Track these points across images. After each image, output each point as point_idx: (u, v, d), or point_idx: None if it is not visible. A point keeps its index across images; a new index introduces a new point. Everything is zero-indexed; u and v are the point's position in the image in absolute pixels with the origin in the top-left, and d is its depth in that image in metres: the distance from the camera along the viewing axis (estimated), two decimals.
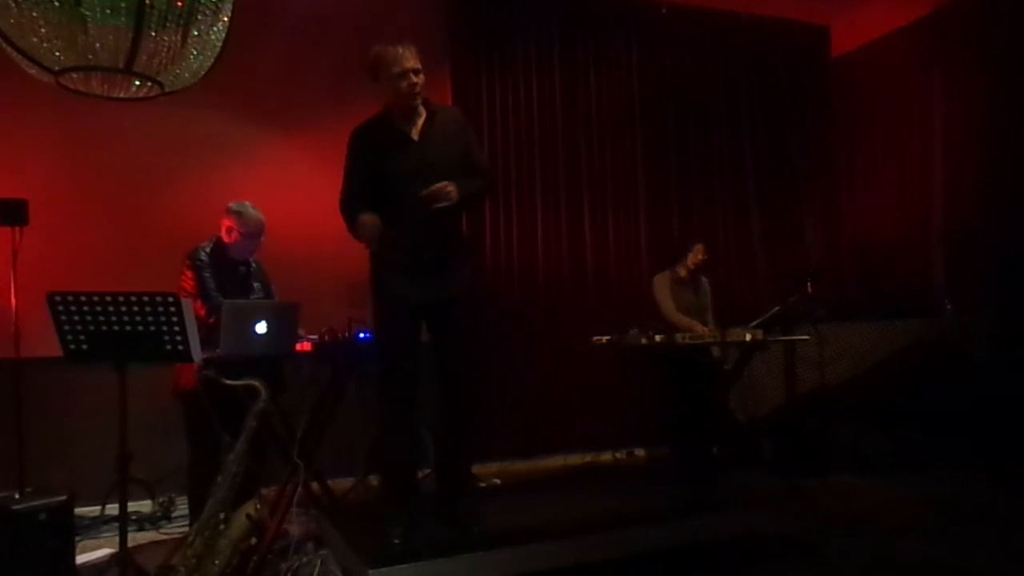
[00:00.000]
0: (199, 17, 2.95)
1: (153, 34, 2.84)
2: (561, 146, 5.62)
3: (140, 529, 3.81)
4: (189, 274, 3.44)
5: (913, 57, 5.84)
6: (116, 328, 2.46)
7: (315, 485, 3.76)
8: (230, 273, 3.54)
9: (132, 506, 3.62)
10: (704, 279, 4.89)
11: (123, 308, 2.45)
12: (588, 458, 5.15)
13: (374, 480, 4.06)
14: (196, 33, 2.99)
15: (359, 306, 4.09)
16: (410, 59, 2.88)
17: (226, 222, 3.50)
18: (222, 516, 2.40)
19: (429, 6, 5.25)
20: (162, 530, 3.83)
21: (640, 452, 5.17)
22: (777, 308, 4.51)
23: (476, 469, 4.57)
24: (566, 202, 5.61)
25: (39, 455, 3.85)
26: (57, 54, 2.81)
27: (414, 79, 2.88)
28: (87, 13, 2.73)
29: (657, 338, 4.08)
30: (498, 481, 4.47)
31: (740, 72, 6.22)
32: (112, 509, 3.83)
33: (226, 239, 3.51)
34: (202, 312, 3.33)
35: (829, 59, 6.56)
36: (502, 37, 5.47)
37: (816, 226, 6.39)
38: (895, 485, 4.30)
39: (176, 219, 4.36)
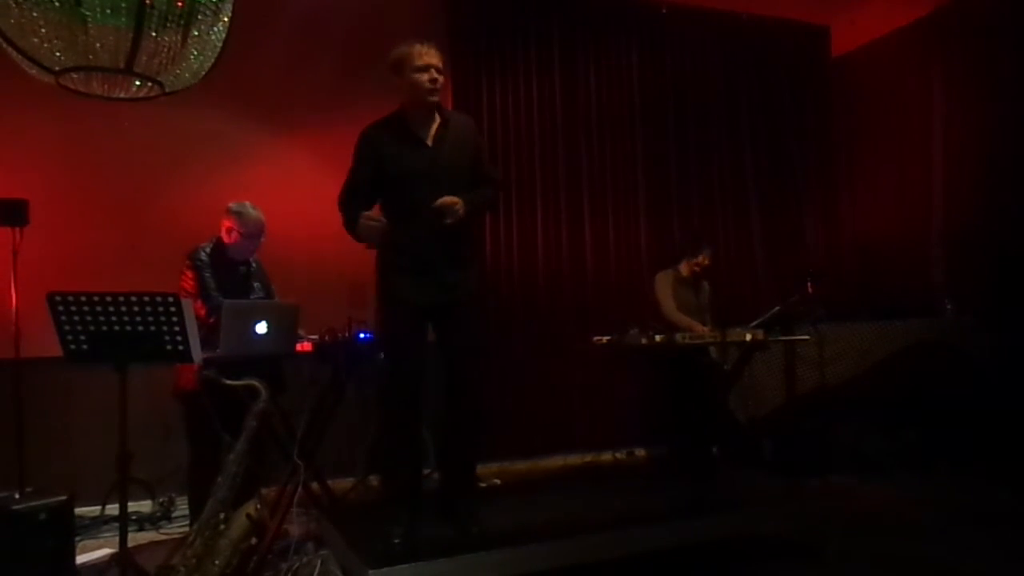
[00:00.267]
0: (199, 17, 2.95)
1: (153, 34, 2.84)
2: (561, 146, 5.62)
3: (140, 529, 3.82)
4: (189, 274, 3.44)
5: (913, 57, 5.85)
6: (116, 328, 2.46)
7: (315, 485, 3.76)
8: (230, 273, 3.54)
9: (132, 506, 3.62)
10: (705, 282, 4.89)
11: (123, 308, 2.45)
12: (588, 458, 5.14)
13: (374, 480, 4.06)
14: (196, 33, 2.98)
15: (359, 306, 4.10)
16: (434, 56, 2.91)
17: (226, 222, 3.50)
18: (222, 516, 2.41)
19: (429, 6, 5.25)
20: (162, 530, 3.83)
21: (640, 452, 5.16)
22: (777, 308, 4.52)
23: (477, 469, 4.58)
24: (566, 202, 5.61)
25: (39, 455, 3.85)
26: (57, 54, 2.81)
27: (436, 75, 2.89)
28: (87, 13, 2.72)
29: (657, 338, 4.08)
30: (498, 481, 4.46)
31: (740, 72, 6.22)
32: (112, 509, 3.83)
33: (226, 239, 3.51)
34: (202, 312, 3.33)
35: (829, 59, 6.57)
36: (502, 37, 5.47)
37: (816, 226, 6.40)
38: (895, 485, 4.30)
39: (176, 219, 4.37)
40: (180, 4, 2.84)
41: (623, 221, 5.78)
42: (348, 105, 4.80)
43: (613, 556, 2.82)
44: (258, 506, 2.41)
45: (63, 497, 2.89)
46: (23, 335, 3.57)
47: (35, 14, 2.71)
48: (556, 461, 5.18)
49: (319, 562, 2.91)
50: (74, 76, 2.93)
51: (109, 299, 2.44)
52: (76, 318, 2.44)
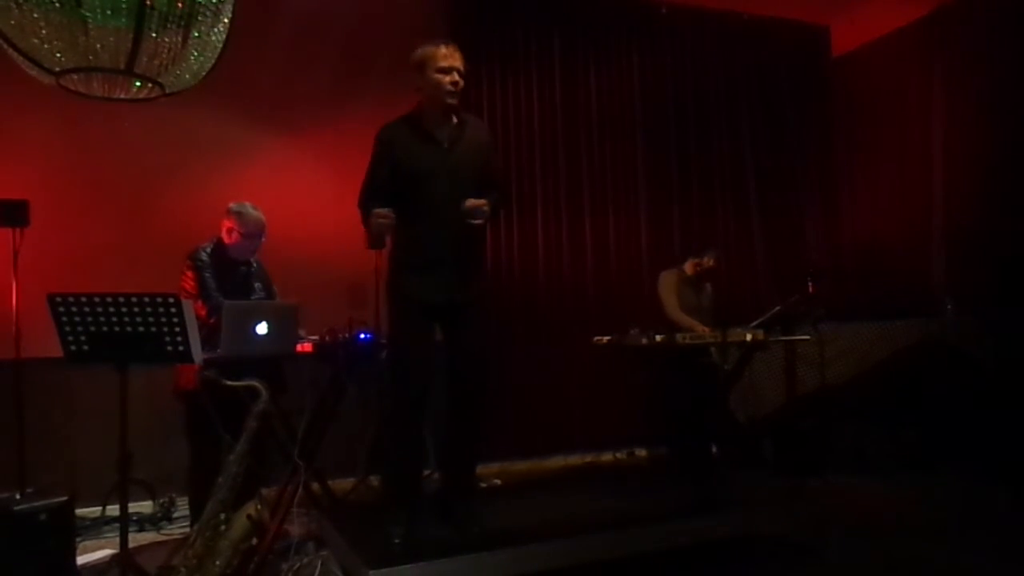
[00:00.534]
0: (199, 18, 2.95)
1: (154, 35, 2.84)
2: (561, 146, 5.62)
3: (141, 530, 3.81)
4: (190, 274, 3.44)
5: (913, 57, 5.85)
6: (117, 329, 2.46)
7: (316, 485, 3.76)
8: (231, 273, 3.54)
9: (133, 507, 3.62)
10: (708, 285, 4.90)
11: (124, 309, 2.45)
12: (588, 458, 5.15)
13: (375, 480, 4.06)
14: (197, 34, 2.98)
15: (360, 307, 4.10)
16: (458, 59, 2.93)
17: (226, 222, 3.50)
18: (223, 517, 2.41)
19: (429, 7, 5.25)
20: (163, 531, 3.83)
21: (640, 452, 5.16)
22: (778, 308, 4.52)
23: (477, 469, 4.58)
24: (566, 202, 5.61)
25: (40, 456, 3.85)
26: (58, 55, 2.81)
27: (457, 78, 2.91)
28: (88, 14, 2.73)
29: (657, 338, 4.08)
30: (498, 481, 4.47)
31: (740, 72, 6.22)
32: (113, 510, 3.83)
33: (226, 239, 3.51)
34: (203, 312, 3.34)
35: (829, 59, 6.57)
36: (502, 37, 5.47)
37: (816, 226, 6.40)
38: (895, 485, 4.30)
39: (177, 220, 4.37)
40: (180, 5, 2.84)
41: (623, 221, 5.78)
42: (348, 105, 4.82)
43: (613, 556, 2.82)
44: (259, 506, 2.41)
45: (64, 498, 2.89)
46: (24, 336, 3.57)
47: (36, 15, 2.71)
48: (556, 461, 5.18)
49: (319, 562, 2.91)
50: (75, 77, 2.93)
51: (109, 300, 2.44)
52: (76, 319, 2.44)
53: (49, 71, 2.87)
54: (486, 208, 2.88)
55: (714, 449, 4.87)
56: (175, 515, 3.98)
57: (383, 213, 2.82)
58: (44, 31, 2.75)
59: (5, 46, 2.83)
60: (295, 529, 3.08)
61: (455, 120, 3.00)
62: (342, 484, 4.12)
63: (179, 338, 2.52)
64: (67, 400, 4.20)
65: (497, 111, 5.42)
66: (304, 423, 3.48)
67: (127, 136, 4.39)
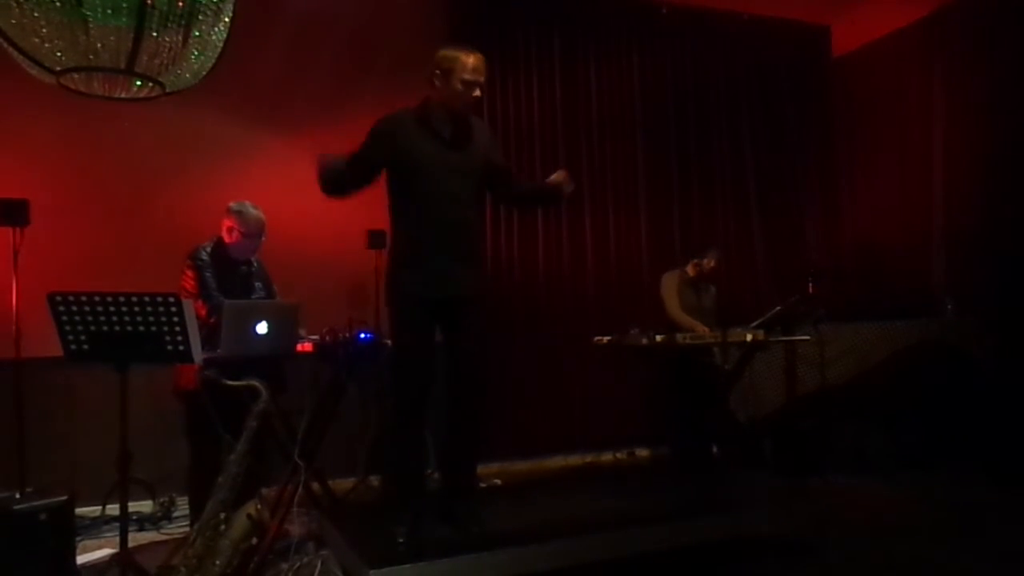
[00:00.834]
0: (200, 17, 2.95)
1: (154, 34, 2.84)
2: (561, 146, 5.62)
3: (141, 529, 3.81)
4: (190, 274, 3.44)
5: (913, 57, 5.85)
6: (117, 328, 2.46)
7: (316, 485, 3.76)
8: (231, 273, 3.54)
9: (133, 506, 3.61)
10: (712, 286, 4.90)
11: (124, 308, 2.45)
12: (589, 458, 5.15)
13: (375, 480, 4.06)
14: (197, 33, 2.99)
15: (360, 306, 4.10)
16: (482, 72, 2.94)
17: (226, 222, 3.50)
18: (223, 516, 2.41)
19: (430, 7, 5.25)
20: (163, 530, 3.83)
21: (641, 452, 5.17)
22: (778, 308, 4.52)
23: (477, 469, 4.57)
24: (566, 202, 5.59)
25: (40, 455, 3.85)
26: (58, 54, 2.81)
27: (478, 92, 2.93)
28: (88, 14, 2.73)
29: (658, 338, 4.09)
30: (499, 481, 4.47)
31: (741, 72, 6.22)
32: (113, 509, 3.83)
33: (227, 239, 3.51)
34: (203, 312, 3.34)
35: (830, 59, 6.57)
36: (502, 37, 5.46)
37: (816, 226, 6.40)
38: (895, 485, 4.30)
39: (177, 219, 4.37)
40: (181, 4, 2.84)
41: (623, 221, 5.78)
42: (349, 105, 4.81)
43: (614, 556, 2.82)
44: (259, 506, 2.41)
45: (64, 497, 2.89)
46: (24, 335, 3.57)
47: (36, 14, 2.71)
48: (556, 461, 5.19)
49: (320, 562, 2.91)
50: (75, 76, 2.93)
51: (110, 299, 2.44)
52: (77, 318, 2.44)
53: (50, 70, 2.87)
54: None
55: (714, 449, 4.87)
56: (175, 515, 3.98)
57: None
58: (45, 30, 2.75)
59: (6, 45, 2.83)
60: (295, 529, 3.08)
61: (460, 119, 3.01)
62: (342, 484, 4.12)
63: (179, 338, 2.52)
64: (67, 400, 4.20)
65: (497, 111, 5.42)
66: (304, 423, 3.48)
67: (127, 136, 4.39)
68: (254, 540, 2.38)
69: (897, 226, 5.93)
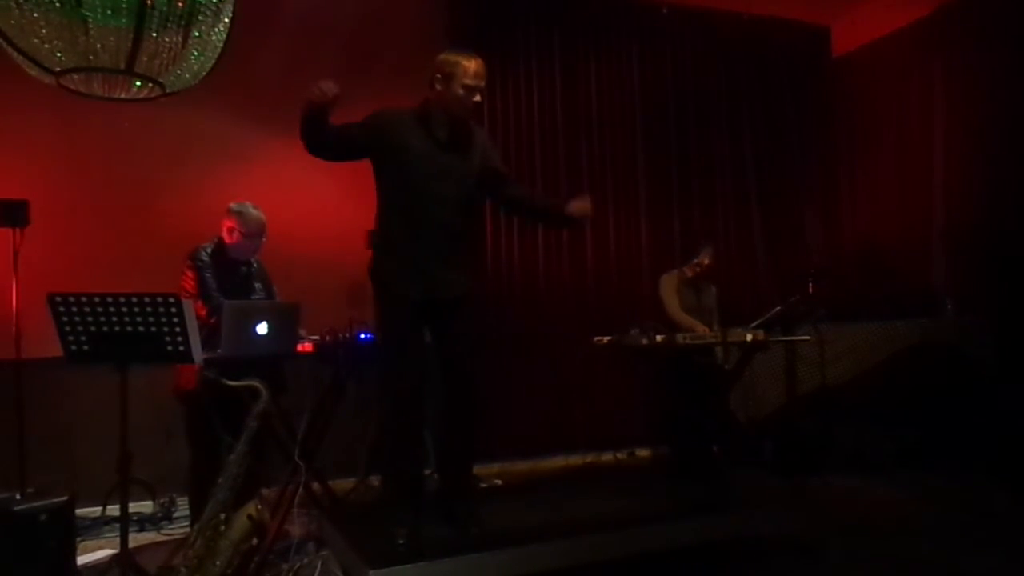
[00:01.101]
0: (200, 18, 2.95)
1: (154, 35, 2.84)
2: (562, 146, 5.62)
3: (141, 530, 3.81)
4: (190, 274, 3.44)
5: (913, 57, 5.85)
6: (117, 329, 2.46)
7: (316, 485, 3.76)
8: (231, 273, 3.54)
9: (133, 507, 3.61)
10: (712, 285, 4.90)
11: (124, 309, 2.45)
12: (589, 458, 5.14)
13: (375, 480, 4.06)
14: (197, 34, 2.99)
15: (360, 306, 4.10)
16: (483, 77, 2.94)
17: (227, 222, 3.50)
18: (223, 517, 2.41)
19: (430, 7, 5.25)
20: (163, 531, 3.83)
21: (641, 452, 5.16)
22: (778, 308, 4.52)
23: (477, 469, 4.57)
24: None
25: (40, 456, 3.84)
26: (58, 55, 2.81)
27: (479, 97, 2.93)
28: (88, 14, 2.73)
29: (658, 338, 4.08)
30: (499, 481, 4.48)
31: (741, 72, 6.22)
32: (113, 510, 3.83)
33: (227, 239, 3.51)
34: (203, 312, 3.34)
35: (830, 59, 6.56)
36: (502, 37, 5.46)
37: (817, 226, 6.40)
38: (895, 485, 4.30)
39: (177, 220, 4.37)
40: (181, 5, 2.84)
41: (624, 221, 5.78)
42: (349, 105, 4.79)
43: (613, 556, 2.82)
44: (259, 506, 2.41)
45: (64, 498, 2.89)
46: (24, 335, 3.58)
47: (36, 15, 2.71)
48: (557, 461, 5.18)
49: (320, 562, 2.91)
50: (75, 77, 2.93)
51: (110, 299, 2.44)
52: (77, 319, 2.44)
53: (49, 71, 2.87)
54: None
55: (714, 449, 4.87)
56: (175, 515, 3.98)
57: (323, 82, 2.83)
58: (44, 31, 2.75)
59: (5, 46, 2.83)
60: (295, 529, 3.08)
61: (457, 124, 3.01)
62: (342, 484, 4.12)
63: (179, 338, 2.52)
64: (67, 400, 4.20)
65: (497, 111, 5.42)
66: (304, 423, 3.48)
67: (127, 136, 4.39)
68: (254, 540, 2.39)
69: (897, 226, 5.93)
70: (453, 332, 3.01)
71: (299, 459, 3.13)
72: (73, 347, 2.48)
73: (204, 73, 3.15)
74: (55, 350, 2.50)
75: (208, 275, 3.44)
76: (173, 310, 2.48)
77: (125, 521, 2.59)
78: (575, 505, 3.40)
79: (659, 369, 4.61)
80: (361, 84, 4.83)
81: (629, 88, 5.86)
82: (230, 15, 3.10)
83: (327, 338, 3.74)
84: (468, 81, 2.89)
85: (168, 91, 3.14)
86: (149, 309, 2.46)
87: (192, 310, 2.63)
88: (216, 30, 3.05)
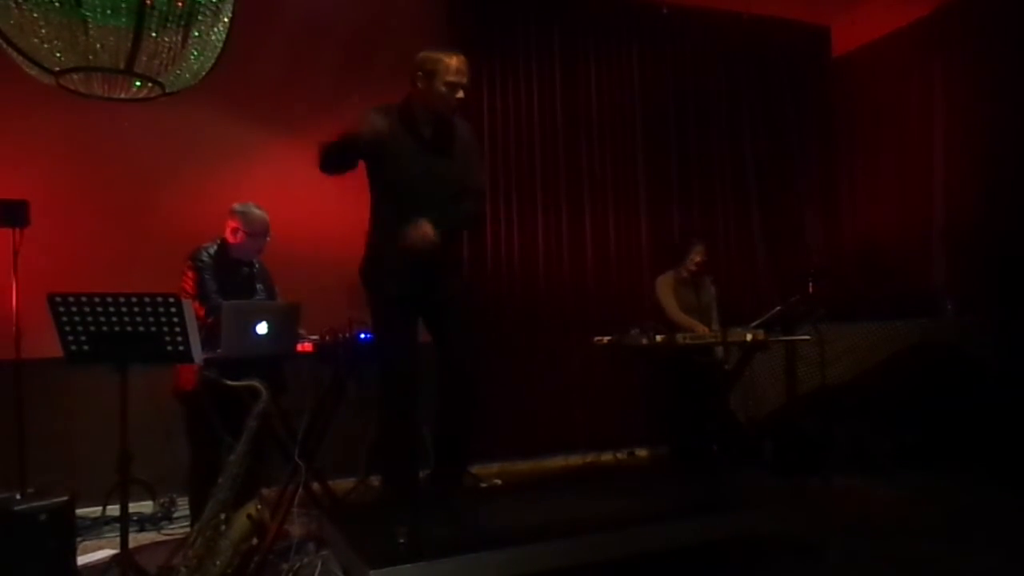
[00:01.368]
0: (200, 18, 2.95)
1: (154, 35, 2.84)
2: (562, 146, 5.62)
3: (141, 530, 3.82)
4: (190, 275, 3.45)
5: (913, 57, 5.85)
6: (117, 329, 2.46)
7: (316, 485, 3.76)
8: (233, 274, 3.55)
9: (133, 507, 3.62)
10: (708, 279, 4.89)
11: (124, 309, 2.45)
12: (589, 458, 5.14)
13: (375, 480, 4.06)
14: (197, 34, 2.98)
15: (360, 306, 4.08)
16: (465, 74, 2.93)
17: (231, 223, 3.52)
18: (223, 517, 2.41)
19: (429, 7, 5.25)
20: (163, 531, 3.83)
21: (641, 452, 5.16)
22: (778, 308, 4.52)
23: (477, 469, 4.58)
24: (567, 202, 5.61)
25: (40, 456, 3.84)
26: (58, 55, 2.81)
27: (461, 94, 2.91)
28: (88, 14, 2.73)
29: (658, 338, 4.08)
30: (499, 481, 4.47)
31: (741, 72, 6.22)
32: (113, 510, 3.83)
33: (231, 239, 3.52)
34: (201, 312, 3.34)
35: (830, 59, 6.56)
36: (502, 37, 5.47)
37: (817, 226, 6.40)
38: (895, 485, 4.30)
39: (177, 220, 4.37)
40: (180, 4, 2.84)
41: (624, 221, 5.78)
42: (349, 105, 4.80)
43: (613, 556, 2.82)
44: (259, 506, 2.41)
45: (64, 498, 2.88)
46: (24, 336, 3.57)
47: (35, 15, 2.71)
48: (557, 461, 5.18)
49: (320, 562, 2.91)
50: (74, 77, 2.93)
51: (110, 300, 2.44)
52: (77, 319, 2.44)
53: (49, 71, 2.87)
54: (431, 235, 2.85)
55: (714, 449, 4.86)
56: (175, 515, 3.98)
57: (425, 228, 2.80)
58: (44, 31, 2.75)
59: (5, 46, 2.83)
60: (295, 529, 3.07)
61: (442, 121, 3.00)
62: (342, 484, 4.12)
63: (179, 338, 2.52)
64: (67, 400, 4.20)
65: (497, 111, 5.42)
66: (304, 423, 3.48)
67: (127, 136, 4.39)
68: (254, 540, 2.38)
69: (897, 226, 5.93)
70: (452, 333, 3.01)
71: (299, 459, 3.13)
72: (73, 347, 2.48)
73: (204, 73, 3.15)
74: (55, 350, 2.49)
75: (207, 276, 3.45)
76: (173, 310, 2.48)
77: (125, 521, 2.59)
78: (575, 505, 3.40)
79: (659, 369, 4.61)
80: (361, 84, 4.85)
81: (629, 88, 5.86)
82: (230, 15, 3.09)
83: (327, 338, 3.74)
84: (450, 78, 2.88)
85: (168, 91, 3.13)
86: (149, 309, 2.46)
87: (192, 310, 2.63)
88: (216, 30, 3.05)
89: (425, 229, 2.83)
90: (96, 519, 3.90)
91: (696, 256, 4.72)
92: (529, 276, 5.47)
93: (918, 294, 5.50)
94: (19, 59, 2.85)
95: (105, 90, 3.01)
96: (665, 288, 4.74)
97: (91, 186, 4.41)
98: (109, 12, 2.74)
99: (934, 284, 5.60)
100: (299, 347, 3.63)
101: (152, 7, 2.76)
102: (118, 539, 2.68)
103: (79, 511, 3.33)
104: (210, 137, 4.63)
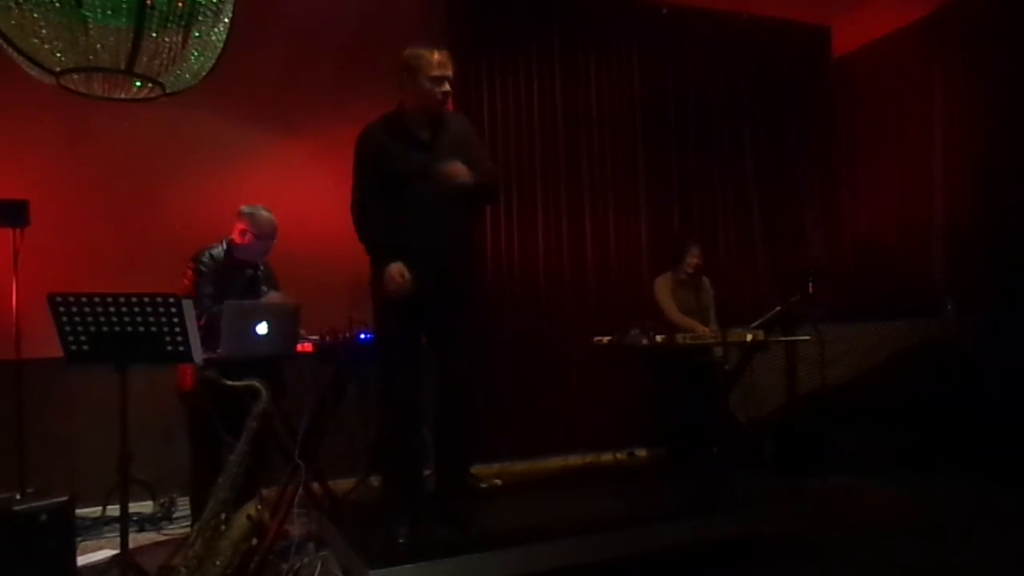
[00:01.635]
0: (200, 18, 2.95)
1: (154, 35, 2.84)
2: (562, 146, 5.62)
3: (141, 530, 3.81)
4: (189, 274, 3.47)
5: (913, 57, 5.84)
6: (117, 329, 2.46)
7: (316, 486, 3.76)
8: (238, 276, 3.57)
9: (133, 507, 3.62)
10: (706, 279, 4.89)
11: (124, 309, 2.45)
12: (589, 458, 5.15)
13: (375, 480, 4.06)
14: (197, 34, 2.99)
15: (360, 306, 4.09)
16: (449, 68, 2.92)
17: (239, 224, 3.54)
18: (223, 517, 2.41)
19: (430, 7, 5.25)
20: (163, 531, 3.83)
21: (641, 452, 5.16)
22: (778, 308, 4.51)
23: (477, 469, 4.58)
24: (567, 202, 5.61)
25: (40, 456, 3.85)
26: (58, 55, 2.81)
27: (448, 87, 2.90)
28: (88, 14, 2.73)
29: (658, 338, 4.08)
30: (499, 481, 4.47)
31: (741, 73, 6.22)
32: (113, 510, 3.83)
33: (238, 240, 3.54)
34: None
35: (830, 59, 6.56)
36: (502, 37, 5.47)
37: (817, 226, 6.40)
38: (895, 485, 4.30)
39: (177, 220, 4.38)
40: (181, 5, 2.84)
41: (624, 221, 5.78)
42: (349, 105, 4.80)
43: (613, 556, 2.82)
44: (259, 507, 2.41)
45: (64, 498, 2.89)
46: (24, 336, 3.57)
47: (36, 15, 2.71)
48: (556, 462, 5.18)
49: (320, 563, 2.92)
50: (75, 77, 2.93)
51: (110, 300, 2.44)
52: (77, 319, 2.44)
53: (49, 71, 2.87)
54: (465, 172, 2.84)
55: (714, 449, 4.86)
56: (175, 515, 3.98)
57: (397, 272, 2.82)
58: (44, 31, 2.75)
59: (5, 46, 2.83)
60: (295, 529, 3.08)
61: (438, 119, 3.00)
62: (342, 484, 4.12)
63: (179, 338, 2.52)
64: (67, 400, 4.20)
65: (497, 111, 5.42)
66: (304, 423, 3.48)
67: (127, 136, 4.39)
68: (254, 541, 2.39)
69: (897, 226, 5.93)
70: (452, 335, 3.01)
71: (299, 459, 3.13)
72: (73, 347, 2.48)
73: (204, 73, 3.15)
74: (55, 350, 2.49)
75: (204, 280, 3.46)
76: (173, 310, 2.48)
77: (125, 521, 2.59)
78: (575, 505, 3.41)
79: (659, 369, 4.61)
80: (361, 84, 4.86)
81: (629, 88, 5.86)
82: (230, 15, 3.10)
83: (327, 338, 3.74)
84: (433, 72, 2.87)
85: (168, 91, 3.13)
86: (149, 309, 2.46)
87: (192, 310, 2.63)
88: (216, 30, 3.05)
89: (457, 169, 2.82)
90: (96, 519, 3.90)
91: (692, 258, 4.72)
92: (529, 276, 5.47)
93: (918, 294, 5.50)
94: (20, 59, 2.86)
95: (105, 90, 3.01)
96: (664, 289, 4.74)
97: (91, 186, 4.41)
98: (109, 12, 2.74)
99: (934, 284, 5.60)
100: (299, 347, 3.63)
101: (152, 7, 2.76)
102: (118, 539, 2.68)
103: (79, 511, 3.33)
104: (210, 137, 4.63)
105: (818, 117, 6.45)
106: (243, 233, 3.51)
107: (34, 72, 2.90)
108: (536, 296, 5.47)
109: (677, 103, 5.99)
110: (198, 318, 3.30)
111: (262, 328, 3.28)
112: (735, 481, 4.05)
